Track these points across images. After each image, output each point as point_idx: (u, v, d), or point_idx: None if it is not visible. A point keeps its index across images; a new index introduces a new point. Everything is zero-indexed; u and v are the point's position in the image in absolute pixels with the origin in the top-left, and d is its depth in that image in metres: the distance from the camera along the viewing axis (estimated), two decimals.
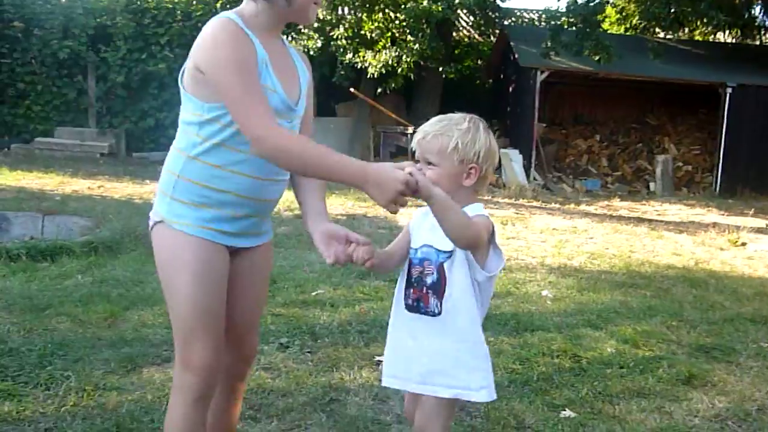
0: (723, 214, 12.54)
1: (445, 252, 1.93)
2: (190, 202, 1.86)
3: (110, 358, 3.26)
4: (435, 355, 1.98)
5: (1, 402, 2.75)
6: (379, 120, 14.65)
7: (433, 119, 1.96)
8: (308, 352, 3.56)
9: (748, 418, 3.12)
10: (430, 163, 1.92)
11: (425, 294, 1.97)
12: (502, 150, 11.78)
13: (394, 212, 1.76)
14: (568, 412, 3.04)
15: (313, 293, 4.72)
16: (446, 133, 1.90)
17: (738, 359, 3.90)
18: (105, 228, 6.32)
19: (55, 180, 9.44)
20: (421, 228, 2.04)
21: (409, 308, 2.01)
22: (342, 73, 13.98)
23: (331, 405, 2.96)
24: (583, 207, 12.20)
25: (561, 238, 8.21)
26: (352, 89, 13.83)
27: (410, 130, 12.54)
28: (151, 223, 1.95)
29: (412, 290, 2.00)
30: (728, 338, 4.27)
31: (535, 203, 11.70)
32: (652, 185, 14.50)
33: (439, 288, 1.94)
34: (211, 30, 1.75)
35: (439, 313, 1.95)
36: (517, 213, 10.36)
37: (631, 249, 7.80)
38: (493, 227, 1.93)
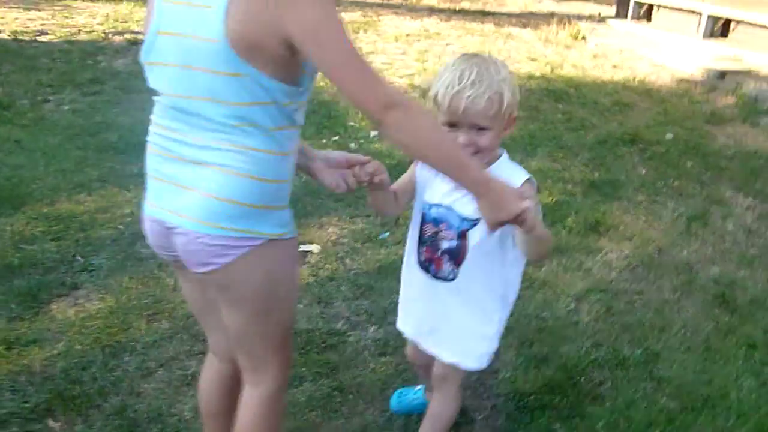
0: (556, 0, 12.86)
1: (470, 220, 1.72)
2: (285, 203, 1.49)
3: (6, 297, 2.82)
4: (443, 319, 1.88)
5: None
6: None
7: (465, 75, 1.59)
8: None
9: (653, 263, 3.41)
10: (481, 128, 1.62)
11: (438, 258, 1.79)
12: None
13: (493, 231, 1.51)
14: None
15: None
16: (497, 90, 1.59)
17: (627, 193, 4.18)
18: None
19: None
20: (435, 181, 1.79)
21: (421, 266, 1.85)
22: None
23: None
24: (424, 1, 11.91)
25: (419, 47, 8.04)
26: None
27: None
28: (238, 252, 1.45)
29: (424, 249, 1.82)
30: (612, 169, 4.54)
31: None
32: None
33: (457, 256, 1.76)
34: None
35: (454, 279, 1.81)
36: (364, 15, 9.92)
37: None
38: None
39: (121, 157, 4.37)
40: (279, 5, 1.27)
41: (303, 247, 3.29)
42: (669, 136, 5.26)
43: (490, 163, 1.69)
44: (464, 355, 1.90)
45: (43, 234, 3.34)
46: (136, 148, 4.44)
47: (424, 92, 6.02)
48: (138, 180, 4.01)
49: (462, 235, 1.74)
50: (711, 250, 3.56)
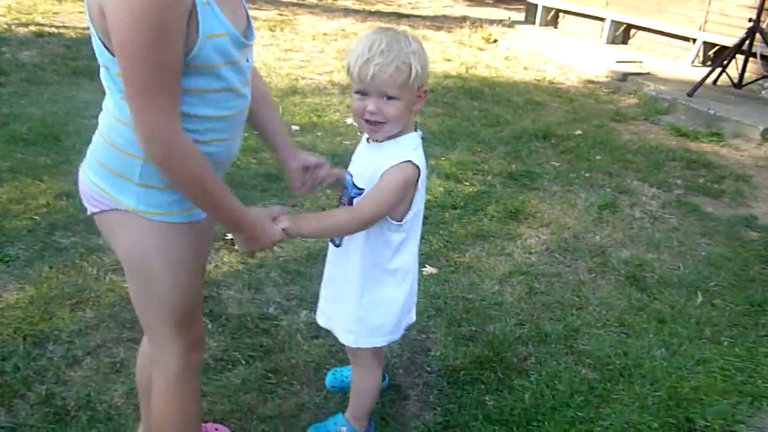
0: (468, 4, 13.20)
1: (357, 188, 1.78)
2: (159, 185, 1.45)
3: None
4: (333, 293, 1.96)
5: None
6: None
7: (375, 45, 1.62)
8: None
9: (569, 247, 3.58)
10: (390, 98, 1.66)
11: None
12: None
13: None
14: (428, 269, 3.22)
15: None
16: (404, 60, 1.63)
17: (543, 184, 4.36)
18: None
19: None
20: (356, 153, 1.87)
21: None
22: None
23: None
24: (341, 1, 11.98)
25: (336, 47, 8.08)
26: None
27: None
28: (101, 205, 1.49)
29: None
30: (528, 162, 4.72)
31: None
32: None
33: None
34: None
35: (339, 245, 1.87)
36: (280, 14, 9.89)
37: None
38: (417, 180, 1.74)
39: (33, 148, 4.20)
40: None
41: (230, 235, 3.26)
42: (578, 132, 5.52)
43: (396, 137, 1.75)
44: (341, 328, 1.97)
45: None
46: (48, 140, 4.32)
47: (343, 88, 6.07)
48: (52, 171, 3.88)
49: (350, 202, 1.79)
50: (621, 235, 3.77)
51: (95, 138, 1.49)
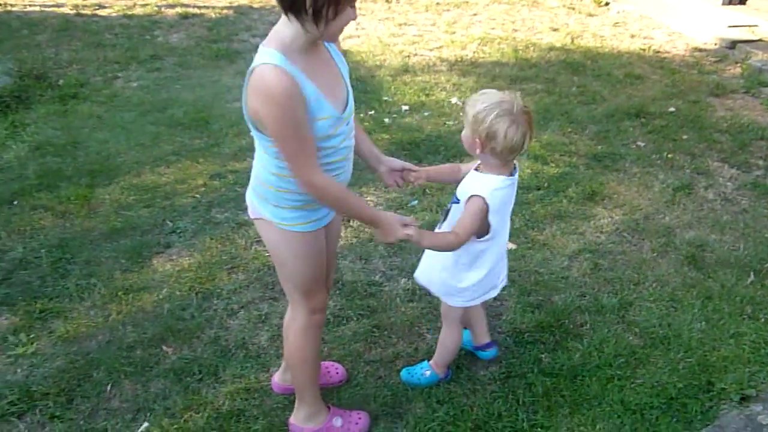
0: None
1: (456, 198, 2.45)
2: (286, 206, 2.18)
3: (117, 254, 3.61)
4: (429, 257, 2.65)
5: (53, 323, 3.14)
6: None
7: (484, 90, 2.33)
8: None
9: (638, 227, 4.07)
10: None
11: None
12: None
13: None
14: (509, 245, 3.82)
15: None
16: (472, 104, 2.28)
17: (624, 165, 4.80)
18: None
19: None
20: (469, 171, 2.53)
21: None
22: None
23: None
24: None
25: (447, 18, 8.56)
26: None
27: None
28: (255, 215, 2.26)
29: None
30: (614, 142, 5.14)
31: None
32: None
33: (446, 215, 2.54)
34: (266, 83, 1.88)
35: (439, 227, 2.58)
36: None
37: (513, 28, 8.34)
38: (486, 211, 2.32)
39: (189, 132, 5.12)
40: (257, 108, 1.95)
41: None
42: (672, 109, 5.81)
43: (486, 171, 2.39)
44: (431, 283, 2.66)
45: (136, 202, 4.12)
46: (200, 124, 5.24)
47: (451, 65, 6.61)
48: (205, 153, 4.78)
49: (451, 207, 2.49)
50: (689, 217, 4.19)
51: (254, 170, 2.23)
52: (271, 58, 1.90)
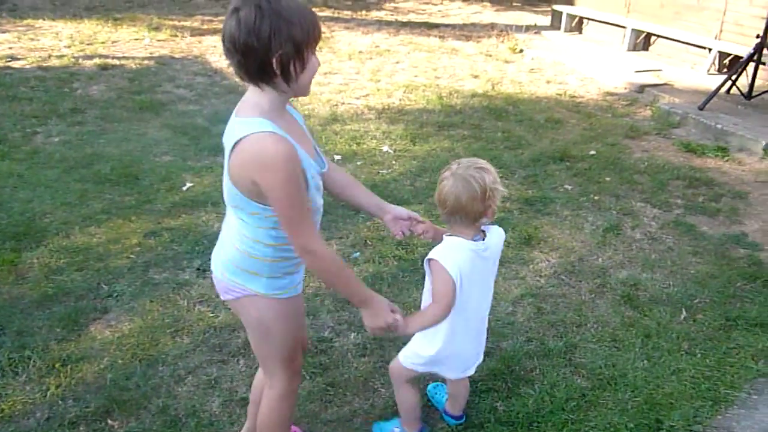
0: (496, 9, 13.68)
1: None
2: (279, 275, 2.13)
3: (51, 322, 3.42)
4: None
5: None
6: None
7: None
8: None
9: (574, 270, 4.21)
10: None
11: None
12: None
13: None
14: None
15: (184, 188, 4.96)
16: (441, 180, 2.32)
17: (555, 209, 4.98)
18: None
19: None
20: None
21: None
22: None
23: None
24: (373, 13, 12.59)
25: (371, 66, 8.73)
26: None
27: None
28: (236, 294, 2.16)
29: None
30: (543, 186, 5.33)
31: (327, 12, 11.85)
32: None
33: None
34: (268, 151, 1.84)
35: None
36: None
37: (436, 75, 8.59)
38: (453, 283, 2.28)
39: (118, 189, 4.97)
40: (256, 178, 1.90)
41: None
42: (592, 152, 6.10)
43: (453, 235, 2.39)
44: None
45: (68, 265, 3.94)
46: (129, 179, 5.09)
47: (379, 113, 6.72)
48: (137, 210, 4.64)
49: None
50: (621, 257, 4.38)
51: (229, 249, 2.13)
52: (262, 126, 1.88)
